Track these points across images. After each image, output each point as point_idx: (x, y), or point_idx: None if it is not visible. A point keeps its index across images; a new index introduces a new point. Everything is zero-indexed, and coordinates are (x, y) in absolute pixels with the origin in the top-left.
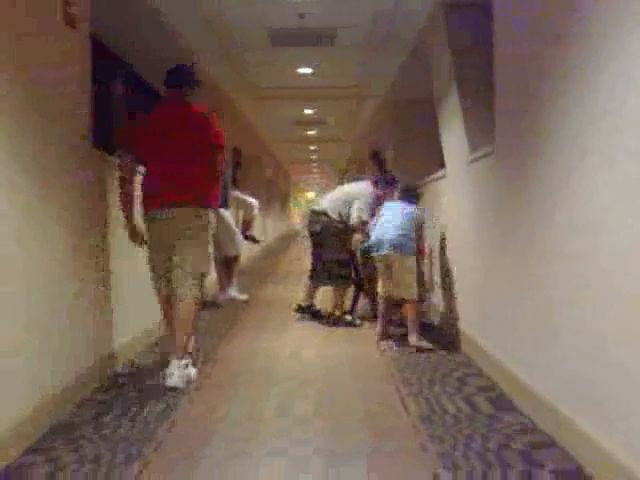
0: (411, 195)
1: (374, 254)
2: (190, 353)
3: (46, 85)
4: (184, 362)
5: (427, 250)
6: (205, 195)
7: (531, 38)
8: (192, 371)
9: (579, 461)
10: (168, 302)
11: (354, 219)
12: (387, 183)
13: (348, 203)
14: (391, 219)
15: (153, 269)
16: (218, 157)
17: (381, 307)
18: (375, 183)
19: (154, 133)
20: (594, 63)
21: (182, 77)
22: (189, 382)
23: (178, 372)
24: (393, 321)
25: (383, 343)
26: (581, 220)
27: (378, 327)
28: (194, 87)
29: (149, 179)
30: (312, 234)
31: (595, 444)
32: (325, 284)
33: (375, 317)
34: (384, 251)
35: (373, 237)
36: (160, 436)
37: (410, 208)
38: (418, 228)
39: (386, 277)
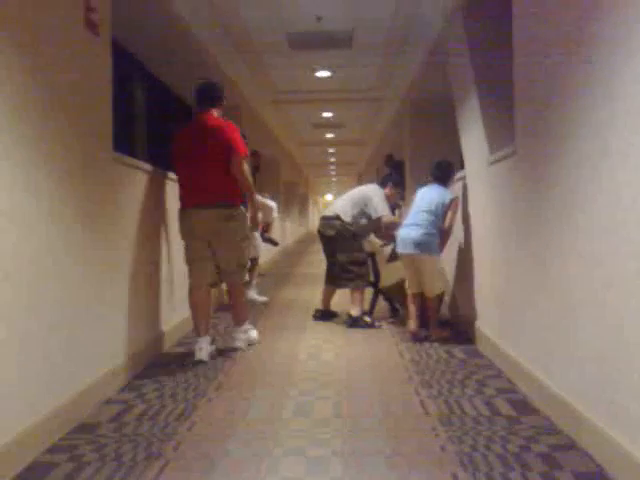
0: (443, 174)
1: (399, 251)
2: (245, 323)
3: (68, 91)
4: (244, 328)
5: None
6: (231, 196)
7: (551, 37)
8: (254, 333)
9: (601, 463)
10: (199, 293)
11: (384, 216)
12: (395, 184)
13: (358, 205)
14: (416, 217)
15: (191, 260)
16: (234, 160)
17: (412, 305)
18: (382, 184)
19: (184, 145)
20: (615, 61)
21: (205, 96)
22: (251, 344)
23: (241, 337)
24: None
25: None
26: (602, 221)
27: (412, 326)
28: (217, 105)
29: (182, 185)
30: (325, 239)
31: (617, 446)
32: (343, 286)
33: (392, 318)
34: (409, 251)
35: (399, 238)
36: (180, 436)
37: (439, 200)
38: (443, 214)
39: (412, 274)
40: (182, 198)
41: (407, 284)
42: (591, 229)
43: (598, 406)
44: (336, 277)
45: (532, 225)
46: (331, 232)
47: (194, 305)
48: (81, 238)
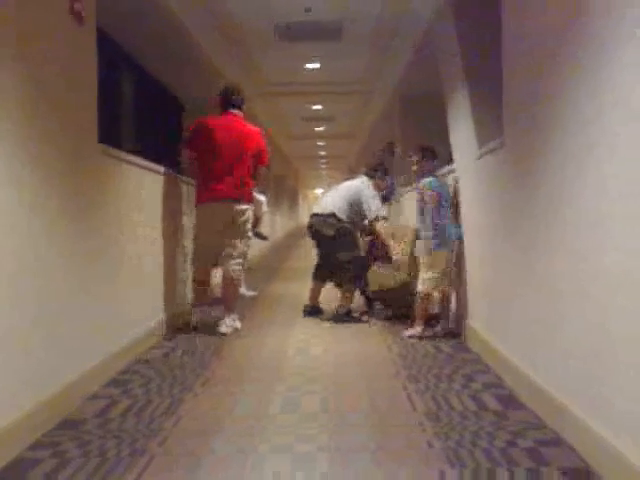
0: (433, 154)
1: (442, 250)
2: (234, 312)
3: (52, 81)
4: (232, 317)
5: None
6: (248, 194)
7: (540, 31)
8: (238, 324)
9: (587, 459)
10: (207, 272)
11: (375, 215)
12: (383, 176)
13: (354, 204)
14: (446, 211)
15: (201, 246)
16: (261, 167)
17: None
18: (367, 174)
19: (219, 141)
20: (603, 52)
21: (236, 98)
22: (236, 330)
23: (228, 323)
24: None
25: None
26: (589, 215)
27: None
28: (242, 108)
29: (205, 176)
30: (324, 237)
31: (602, 441)
32: (339, 285)
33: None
34: (451, 247)
35: (445, 234)
36: (165, 431)
37: (444, 187)
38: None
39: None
40: (209, 190)
41: (439, 283)
42: (578, 223)
43: (583, 401)
44: (332, 275)
45: (519, 219)
46: (330, 231)
47: (202, 277)
48: (65, 231)
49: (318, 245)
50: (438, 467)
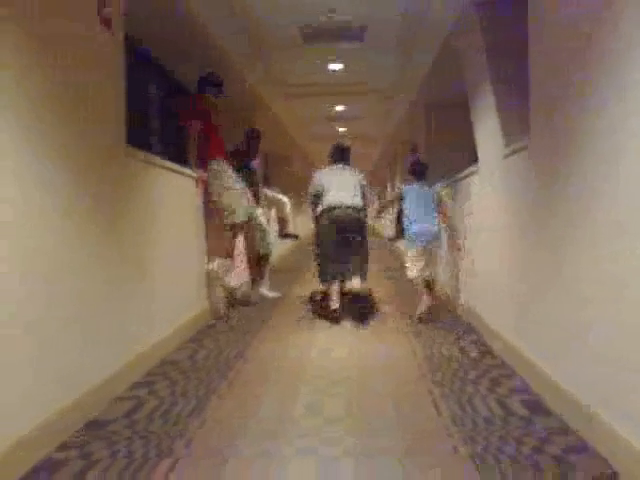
0: (424, 169)
1: (416, 246)
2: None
3: (82, 87)
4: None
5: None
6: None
7: (567, 32)
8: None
9: (615, 466)
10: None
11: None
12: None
13: (362, 192)
14: (424, 208)
15: None
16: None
17: (422, 289)
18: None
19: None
20: (632, 57)
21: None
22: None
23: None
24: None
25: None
26: (619, 218)
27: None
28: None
29: None
30: (354, 228)
31: (630, 448)
32: (363, 277)
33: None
34: (426, 243)
35: (415, 228)
36: (191, 433)
37: (430, 190)
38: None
39: (423, 262)
40: None
41: (421, 274)
42: (607, 226)
43: (612, 407)
44: (358, 269)
45: (547, 221)
46: (360, 223)
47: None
48: (95, 233)
49: (347, 235)
50: (463, 472)
